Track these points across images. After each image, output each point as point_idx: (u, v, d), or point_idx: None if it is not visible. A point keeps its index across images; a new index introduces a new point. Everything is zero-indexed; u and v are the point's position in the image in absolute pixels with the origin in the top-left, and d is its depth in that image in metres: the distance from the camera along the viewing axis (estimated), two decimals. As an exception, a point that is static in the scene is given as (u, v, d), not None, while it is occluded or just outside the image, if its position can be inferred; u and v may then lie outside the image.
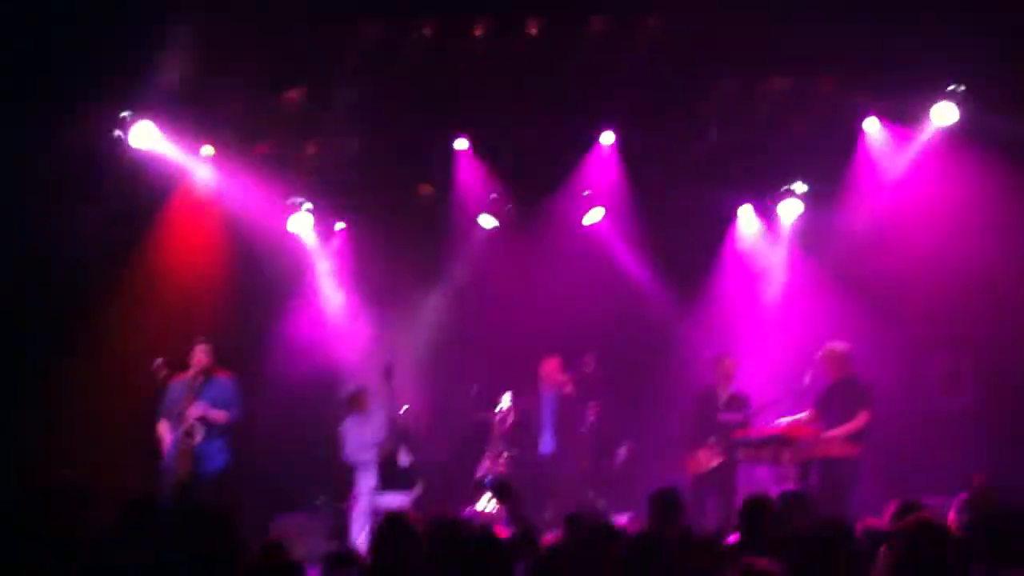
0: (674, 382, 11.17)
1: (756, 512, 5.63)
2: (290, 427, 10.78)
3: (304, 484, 10.56)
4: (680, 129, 10.96)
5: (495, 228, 11.91)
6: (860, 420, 9.21)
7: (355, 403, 10.45)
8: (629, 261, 11.95)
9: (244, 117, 10.34)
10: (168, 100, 9.56)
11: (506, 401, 10.55)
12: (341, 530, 9.89)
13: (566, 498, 9.97)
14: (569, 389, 10.74)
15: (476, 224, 11.91)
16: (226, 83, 9.74)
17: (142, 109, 9.66)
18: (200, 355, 9.17)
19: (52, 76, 8.90)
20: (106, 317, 9.92)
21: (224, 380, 9.24)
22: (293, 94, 10.18)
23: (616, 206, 11.67)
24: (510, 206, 11.87)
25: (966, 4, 9.08)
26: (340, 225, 11.84)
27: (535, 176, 11.48)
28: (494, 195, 11.77)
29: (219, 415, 9.05)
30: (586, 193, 11.67)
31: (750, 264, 12.01)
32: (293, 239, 11.41)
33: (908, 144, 10.72)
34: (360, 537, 9.59)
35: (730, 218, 12.01)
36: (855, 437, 9.24)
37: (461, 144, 11.28)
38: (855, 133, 10.85)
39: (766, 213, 11.86)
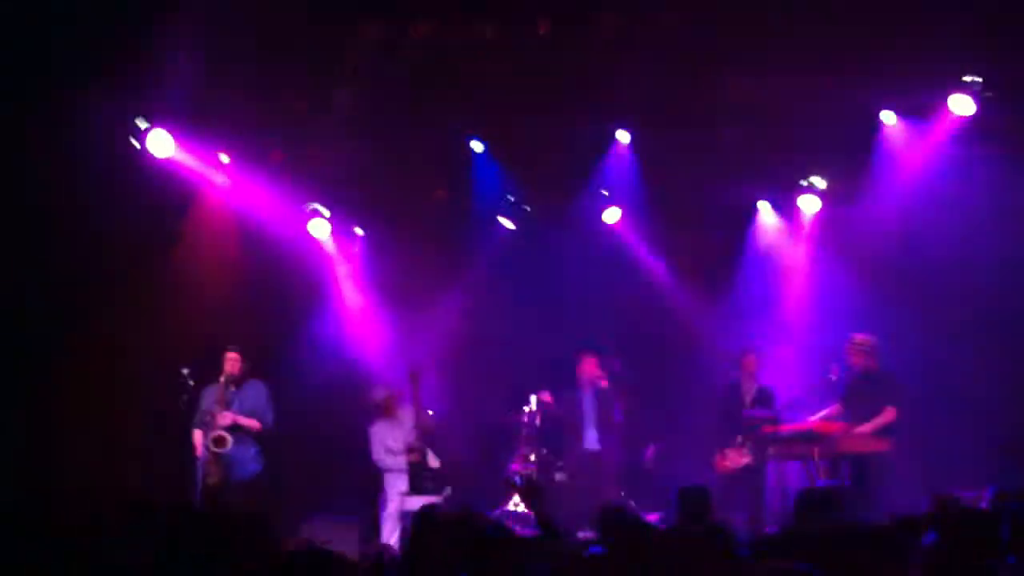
0: (698, 380, 11.16)
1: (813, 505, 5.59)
2: (316, 431, 10.78)
3: (331, 487, 10.55)
4: (696, 126, 10.91)
5: (513, 229, 11.88)
6: (888, 415, 9.23)
7: (384, 408, 10.45)
8: (648, 259, 11.90)
9: (251, 123, 10.30)
10: (180, 106, 9.55)
11: (534, 403, 10.54)
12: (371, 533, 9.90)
13: (612, 493, 10.00)
14: (606, 384, 10.69)
15: (495, 225, 11.87)
16: (232, 89, 9.72)
17: (155, 117, 9.65)
18: (230, 363, 9.14)
19: (53, 76, 8.86)
20: (115, 322, 9.83)
21: (256, 387, 9.22)
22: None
23: (634, 204, 11.63)
24: (528, 207, 11.84)
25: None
26: (359, 230, 11.83)
27: (552, 177, 11.45)
28: (511, 197, 11.74)
29: (251, 423, 9.03)
30: (605, 192, 11.63)
31: (770, 259, 11.94)
32: (312, 244, 11.39)
33: (926, 136, 10.66)
34: (391, 540, 9.58)
35: (749, 214, 11.95)
36: (884, 432, 9.22)
37: (477, 147, 11.29)
38: (873, 126, 10.79)
39: (785, 208, 11.79)
